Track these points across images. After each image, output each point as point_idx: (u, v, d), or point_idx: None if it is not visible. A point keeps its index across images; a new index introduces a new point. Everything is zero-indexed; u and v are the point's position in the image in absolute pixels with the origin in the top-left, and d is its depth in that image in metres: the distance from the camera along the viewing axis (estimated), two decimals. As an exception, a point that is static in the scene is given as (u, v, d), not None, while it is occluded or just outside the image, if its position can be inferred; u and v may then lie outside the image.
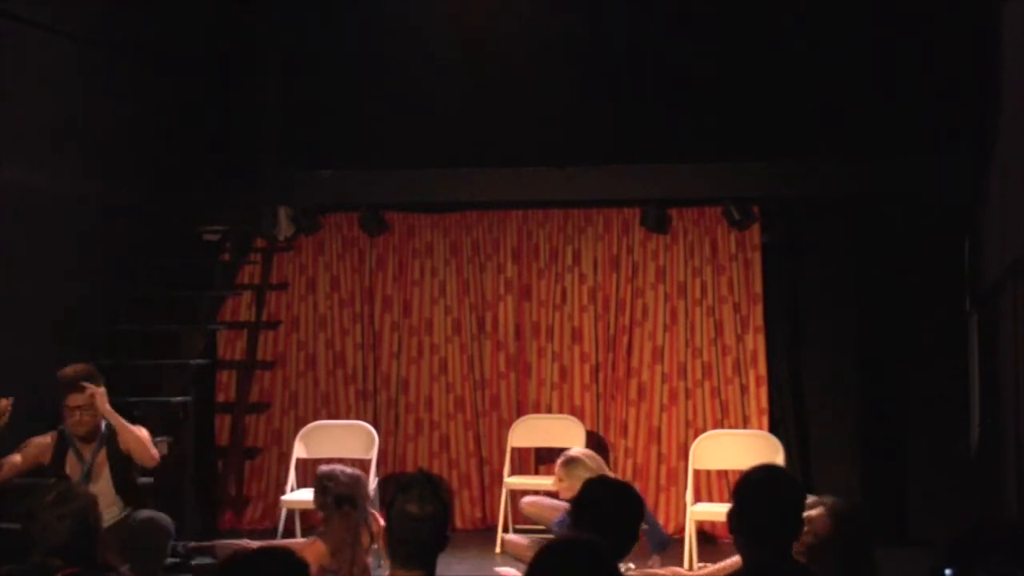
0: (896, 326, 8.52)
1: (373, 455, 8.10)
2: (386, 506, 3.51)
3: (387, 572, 3.50)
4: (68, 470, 6.21)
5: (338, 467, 6.19)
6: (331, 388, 9.10)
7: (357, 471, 6.26)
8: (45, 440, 6.30)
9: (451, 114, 8.73)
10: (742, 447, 7.71)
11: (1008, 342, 6.68)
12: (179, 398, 7.98)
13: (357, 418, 8.68)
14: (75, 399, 6.20)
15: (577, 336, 8.85)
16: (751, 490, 3.71)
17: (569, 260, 8.93)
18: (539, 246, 8.99)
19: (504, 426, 8.75)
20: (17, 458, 6.22)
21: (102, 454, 6.27)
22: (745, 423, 8.38)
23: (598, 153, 8.54)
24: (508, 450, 8.49)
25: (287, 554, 3.09)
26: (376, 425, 8.52)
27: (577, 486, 6.64)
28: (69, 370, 6.26)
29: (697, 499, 7.86)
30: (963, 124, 7.85)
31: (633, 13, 8.60)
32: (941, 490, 8.11)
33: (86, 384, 6.17)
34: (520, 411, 8.83)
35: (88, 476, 6.17)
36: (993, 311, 7.30)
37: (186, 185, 8.82)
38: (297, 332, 9.17)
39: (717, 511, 7.46)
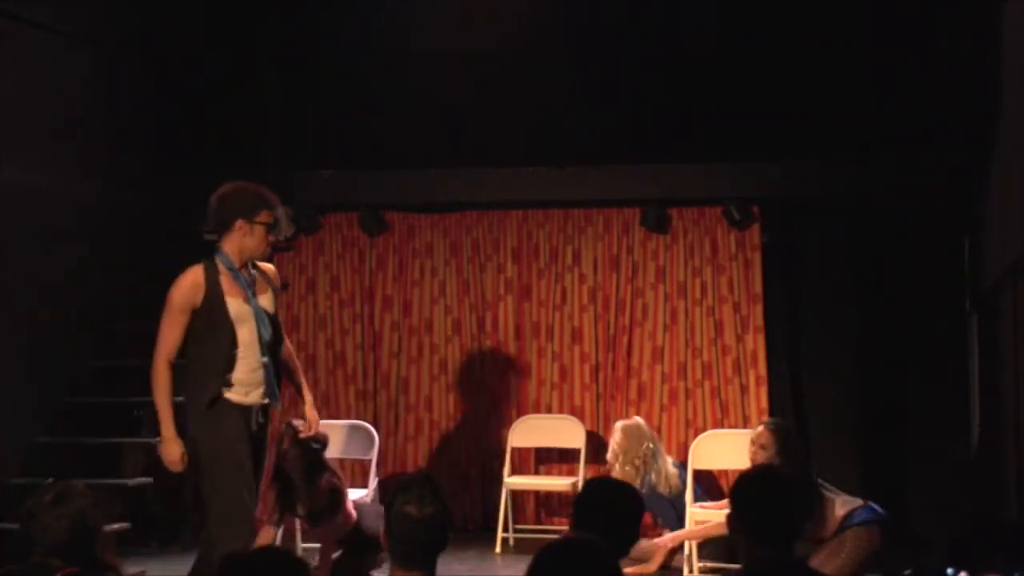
0: (896, 326, 8.52)
1: (373, 455, 8.09)
2: (386, 506, 3.51)
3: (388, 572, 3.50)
4: (225, 290, 5.39)
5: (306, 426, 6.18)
6: (331, 388, 9.10)
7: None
8: (188, 280, 5.37)
9: (451, 114, 8.72)
10: (742, 447, 7.67)
11: (1008, 342, 6.68)
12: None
13: (357, 418, 8.67)
14: (269, 216, 5.47)
15: (577, 336, 8.85)
16: (751, 490, 3.72)
17: (569, 260, 8.93)
18: (539, 246, 8.98)
19: (504, 426, 8.75)
20: (177, 327, 5.38)
21: (260, 278, 5.58)
22: (745, 423, 8.36)
23: (598, 153, 8.54)
24: (508, 450, 8.49)
25: (287, 554, 3.09)
26: (376, 425, 8.51)
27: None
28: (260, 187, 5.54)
29: (696, 499, 7.85)
30: (963, 124, 7.85)
31: (633, 13, 8.60)
32: (941, 490, 8.11)
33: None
34: (520, 411, 8.83)
35: (254, 289, 5.51)
36: (993, 311, 7.30)
37: (186, 185, 8.82)
38: (297, 332, 9.17)
39: (717, 511, 7.45)
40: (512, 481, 8.28)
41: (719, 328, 8.65)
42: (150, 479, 7.60)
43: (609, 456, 7.89)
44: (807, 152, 8.35)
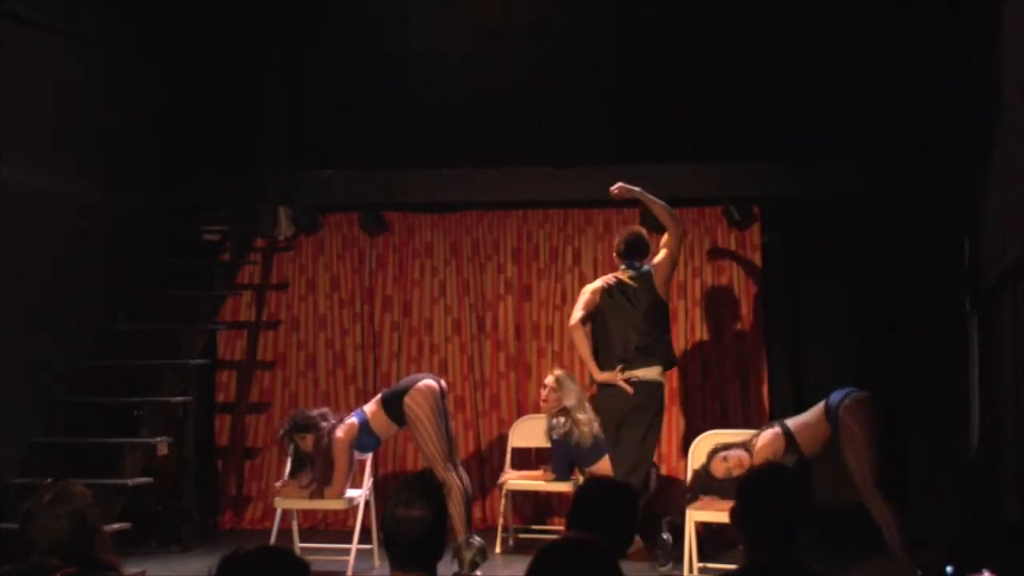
0: (896, 326, 8.51)
1: (368, 455, 8.06)
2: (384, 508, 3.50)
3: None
4: None
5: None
6: (331, 388, 9.09)
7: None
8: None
9: (451, 114, 8.72)
10: (742, 447, 7.67)
11: (1008, 342, 6.68)
12: (179, 398, 7.98)
13: (357, 418, 8.65)
14: None
15: (577, 336, 8.83)
16: (753, 489, 3.71)
17: (569, 260, 8.93)
18: (539, 246, 8.99)
19: (504, 426, 8.75)
20: None
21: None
22: (745, 423, 8.36)
23: (598, 153, 8.53)
24: (508, 450, 8.48)
25: (287, 554, 3.08)
26: (376, 425, 8.48)
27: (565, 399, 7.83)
28: None
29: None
30: (963, 124, 7.85)
31: (633, 13, 8.60)
32: (941, 490, 8.11)
33: None
34: (520, 411, 8.83)
35: None
36: (993, 311, 7.29)
37: (186, 185, 8.82)
38: (297, 332, 9.17)
39: (717, 511, 7.44)
40: (512, 482, 8.28)
41: (719, 328, 8.64)
42: (150, 479, 7.60)
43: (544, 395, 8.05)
44: (807, 152, 8.35)
